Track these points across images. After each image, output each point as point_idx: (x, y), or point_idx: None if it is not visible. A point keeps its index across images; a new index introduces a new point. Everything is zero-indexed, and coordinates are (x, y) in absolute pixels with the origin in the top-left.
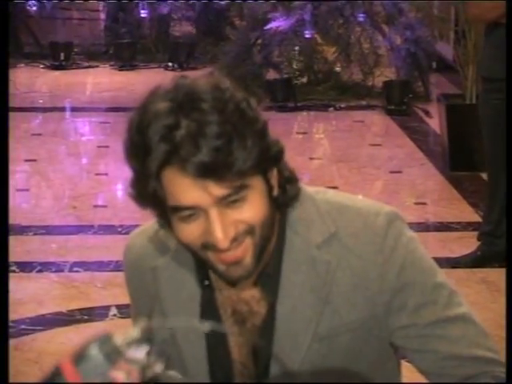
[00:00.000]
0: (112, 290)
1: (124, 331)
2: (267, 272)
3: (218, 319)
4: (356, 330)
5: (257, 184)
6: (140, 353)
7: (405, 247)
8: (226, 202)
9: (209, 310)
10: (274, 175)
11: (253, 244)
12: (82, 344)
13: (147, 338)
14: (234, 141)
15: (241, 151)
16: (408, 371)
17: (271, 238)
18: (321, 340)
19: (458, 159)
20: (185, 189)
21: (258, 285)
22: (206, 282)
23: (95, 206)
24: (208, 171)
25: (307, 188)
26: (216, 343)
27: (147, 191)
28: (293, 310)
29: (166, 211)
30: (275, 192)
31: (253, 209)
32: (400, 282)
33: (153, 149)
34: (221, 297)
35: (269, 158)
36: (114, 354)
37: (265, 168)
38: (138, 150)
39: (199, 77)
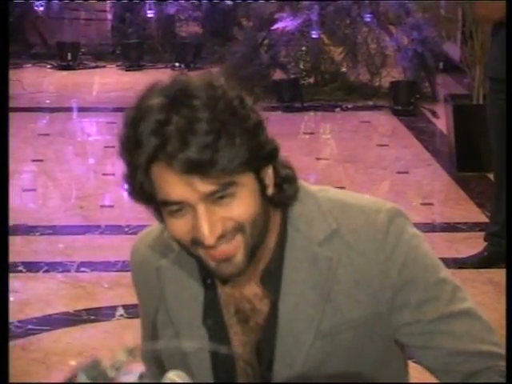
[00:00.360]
0: (119, 291)
1: (113, 355)
2: (269, 270)
3: (220, 318)
4: (358, 327)
5: (247, 182)
6: (133, 376)
7: (406, 244)
8: (213, 199)
9: (212, 308)
10: (268, 174)
11: (244, 242)
12: (71, 372)
13: (153, 356)
14: (222, 138)
15: (228, 149)
16: (416, 372)
17: (264, 237)
18: (323, 337)
19: (464, 160)
20: (172, 184)
21: (261, 283)
22: (209, 281)
23: (102, 206)
24: (194, 168)
25: (309, 186)
26: (219, 342)
27: (136, 184)
28: (295, 307)
29: (159, 206)
30: (270, 191)
31: (242, 206)
32: (402, 279)
33: (143, 142)
34: (224, 295)
35: (261, 157)
36: (100, 378)
37: (256, 166)
38: (129, 143)
39: (196, 74)
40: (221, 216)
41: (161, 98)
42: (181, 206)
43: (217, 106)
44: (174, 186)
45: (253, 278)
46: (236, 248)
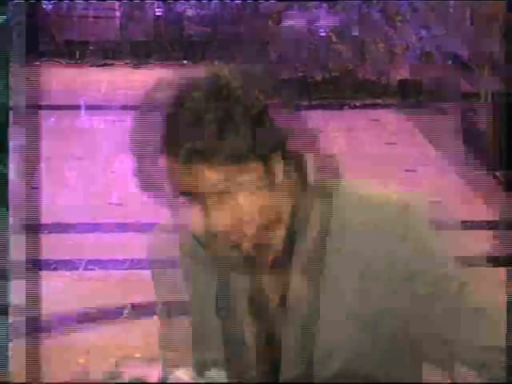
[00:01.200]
0: (127, 289)
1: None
2: (279, 260)
3: (233, 310)
4: (364, 318)
5: (255, 169)
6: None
7: (415, 236)
8: (221, 188)
9: (225, 299)
10: (277, 162)
11: (252, 231)
12: None
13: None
14: (227, 127)
15: (233, 137)
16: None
17: (274, 225)
18: (327, 327)
19: (473, 158)
20: (180, 175)
21: (271, 274)
22: (222, 273)
23: (111, 204)
24: (200, 157)
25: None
26: (232, 334)
27: (144, 178)
28: (303, 298)
29: (170, 199)
30: (279, 179)
31: (250, 195)
32: (410, 271)
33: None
34: (237, 287)
35: (267, 145)
36: None
37: (263, 154)
38: (137, 137)
39: (202, 66)
40: (230, 206)
41: (168, 92)
42: (191, 198)
43: (220, 95)
44: (182, 177)
45: (264, 268)
46: (244, 236)
